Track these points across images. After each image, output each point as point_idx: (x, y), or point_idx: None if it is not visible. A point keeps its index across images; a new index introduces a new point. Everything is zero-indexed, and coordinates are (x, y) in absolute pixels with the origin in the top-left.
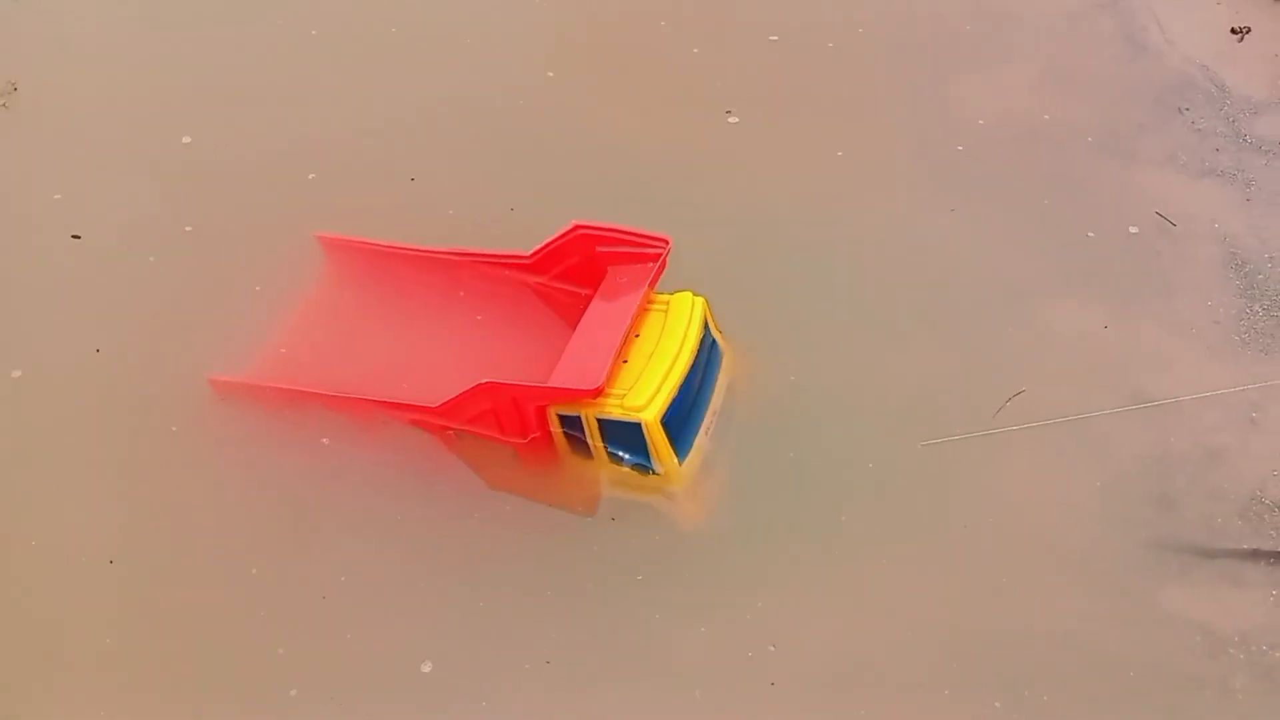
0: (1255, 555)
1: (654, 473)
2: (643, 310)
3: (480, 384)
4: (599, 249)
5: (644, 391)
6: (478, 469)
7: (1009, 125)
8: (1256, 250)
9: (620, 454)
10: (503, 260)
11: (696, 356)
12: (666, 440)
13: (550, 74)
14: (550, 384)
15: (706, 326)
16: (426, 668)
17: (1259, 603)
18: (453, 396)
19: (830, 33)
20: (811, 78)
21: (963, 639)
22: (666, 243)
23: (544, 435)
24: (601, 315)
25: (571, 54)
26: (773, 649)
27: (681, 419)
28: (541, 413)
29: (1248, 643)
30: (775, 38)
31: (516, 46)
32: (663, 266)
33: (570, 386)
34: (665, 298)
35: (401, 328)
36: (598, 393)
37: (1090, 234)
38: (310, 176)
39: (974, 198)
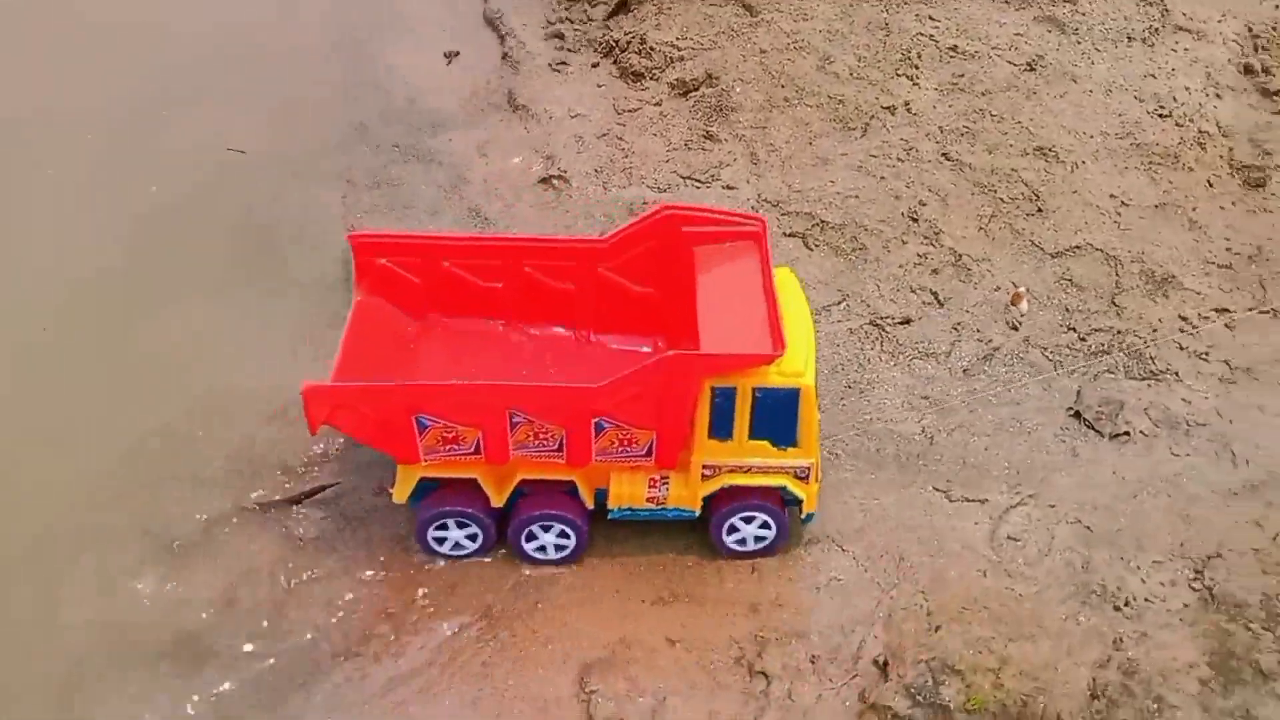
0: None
1: (793, 445)
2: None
3: (666, 356)
4: (685, 229)
5: (797, 358)
6: None
7: (201, 152)
8: None
9: (762, 429)
10: (575, 246)
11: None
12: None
13: None
14: (718, 351)
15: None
16: None
17: None
18: (627, 373)
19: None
20: None
21: None
22: (762, 221)
23: (681, 425)
24: (720, 289)
25: None
26: None
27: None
28: (694, 390)
29: None
30: None
31: None
32: (766, 241)
33: (753, 352)
34: None
35: (467, 334)
36: (775, 359)
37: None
38: None
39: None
